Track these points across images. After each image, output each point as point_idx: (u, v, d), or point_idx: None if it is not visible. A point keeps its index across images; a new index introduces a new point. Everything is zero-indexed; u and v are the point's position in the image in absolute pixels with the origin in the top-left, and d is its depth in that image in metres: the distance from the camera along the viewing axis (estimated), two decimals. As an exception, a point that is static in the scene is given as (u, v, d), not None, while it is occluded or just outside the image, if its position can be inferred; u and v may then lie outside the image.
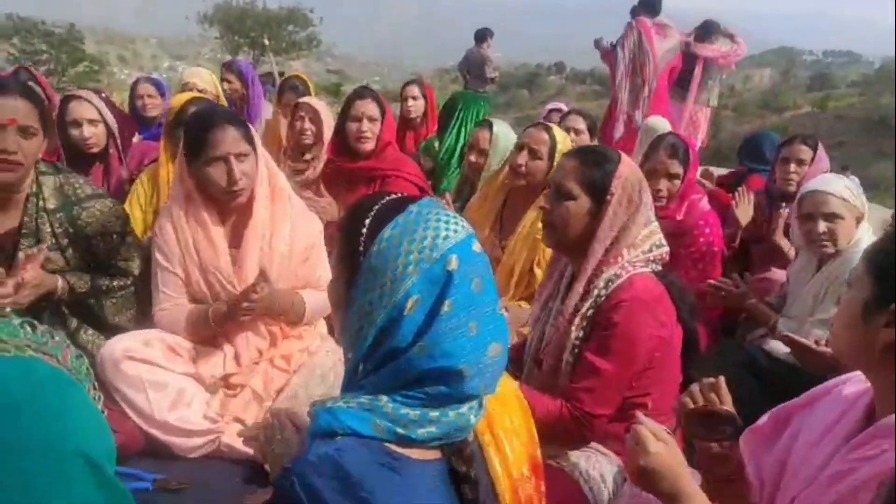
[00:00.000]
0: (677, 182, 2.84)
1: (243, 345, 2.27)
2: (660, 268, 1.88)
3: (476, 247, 1.11)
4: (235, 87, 4.83)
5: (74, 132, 3.03)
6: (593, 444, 1.79)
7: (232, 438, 2.10)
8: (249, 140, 2.18)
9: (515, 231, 2.80)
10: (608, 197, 1.80)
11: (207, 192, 2.19)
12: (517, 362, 2.03)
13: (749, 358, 2.42)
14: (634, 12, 5.94)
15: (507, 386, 1.30)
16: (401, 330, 1.03)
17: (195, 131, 2.16)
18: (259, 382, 2.22)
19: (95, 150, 3.10)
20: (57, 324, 2.21)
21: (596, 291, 1.80)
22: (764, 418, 1.41)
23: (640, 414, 1.28)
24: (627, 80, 5.71)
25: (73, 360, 0.73)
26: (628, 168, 1.84)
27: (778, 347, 2.43)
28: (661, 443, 1.21)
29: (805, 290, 2.56)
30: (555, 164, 2.77)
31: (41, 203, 2.13)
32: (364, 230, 1.09)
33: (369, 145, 3.21)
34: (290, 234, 2.27)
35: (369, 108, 3.21)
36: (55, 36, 24.51)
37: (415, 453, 1.03)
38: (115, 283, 2.31)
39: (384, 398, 1.04)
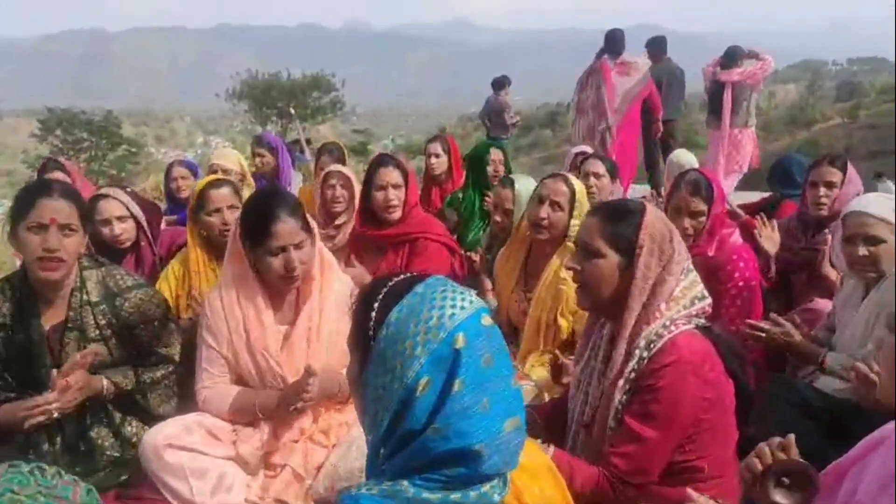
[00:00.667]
0: (702, 219, 2.75)
1: (285, 425, 2.24)
2: (703, 321, 1.79)
3: (486, 321, 1.10)
4: (268, 161, 4.98)
5: (105, 230, 3.08)
6: None
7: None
8: (307, 227, 2.21)
9: (539, 283, 2.75)
10: (637, 250, 1.74)
11: (264, 274, 2.22)
12: (552, 424, 1.97)
13: (801, 398, 2.28)
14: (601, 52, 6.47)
15: (539, 458, 1.26)
16: (414, 413, 1.04)
17: (255, 220, 2.18)
18: (299, 461, 2.19)
19: (127, 244, 3.16)
20: (102, 418, 2.26)
21: (638, 352, 1.72)
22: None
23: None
24: (580, 117, 6.41)
25: (84, 495, 0.77)
26: (654, 217, 1.78)
27: (829, 384, 2.31)
28: None
29: (856, 318, 2.41)
30: (574, 212, 2.75)
31: (85, 297, 2.20)
32: (373, 314, 1.10)
33: (397, 214, 3.23)
34: (336, 306, 2.27)
35: (392, 175, 3.22)
36: (94, 124, 25.64)
37: (437, 539, 1.01)
38: (158, 373, 2.33)
39: (405, 483, 1.04)
